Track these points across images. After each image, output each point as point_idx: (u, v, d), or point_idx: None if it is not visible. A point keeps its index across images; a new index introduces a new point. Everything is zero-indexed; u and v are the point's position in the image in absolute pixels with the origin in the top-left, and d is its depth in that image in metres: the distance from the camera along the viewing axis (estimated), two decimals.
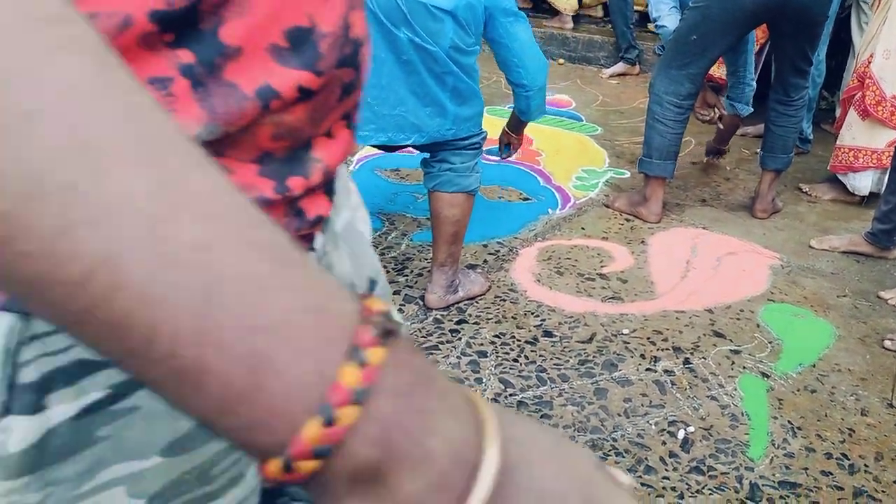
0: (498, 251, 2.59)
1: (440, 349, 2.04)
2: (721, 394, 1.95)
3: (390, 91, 1.92)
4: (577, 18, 5.55)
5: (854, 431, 1.86)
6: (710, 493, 1.65)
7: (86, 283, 0.25)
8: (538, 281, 2.42)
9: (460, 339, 2.10)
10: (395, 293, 2.28)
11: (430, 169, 2.11)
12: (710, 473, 1.70)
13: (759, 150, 3.06)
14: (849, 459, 1.78)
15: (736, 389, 1.97)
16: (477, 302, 2.27)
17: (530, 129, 3.70)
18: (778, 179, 3.03)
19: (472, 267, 2.44)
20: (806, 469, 1.74)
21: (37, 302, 0.26)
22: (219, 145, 0.43)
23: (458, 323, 2.17)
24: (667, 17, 2.78)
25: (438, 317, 2.19)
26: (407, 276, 2.39)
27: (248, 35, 0.42)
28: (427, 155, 2.12)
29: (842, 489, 1.70)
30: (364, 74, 0.52)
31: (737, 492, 1.66)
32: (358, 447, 0.27)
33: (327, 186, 0.53)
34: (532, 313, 2.24)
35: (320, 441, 0.26)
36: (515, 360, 2.02)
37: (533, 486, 0.29)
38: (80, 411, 0.42)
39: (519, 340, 2.11)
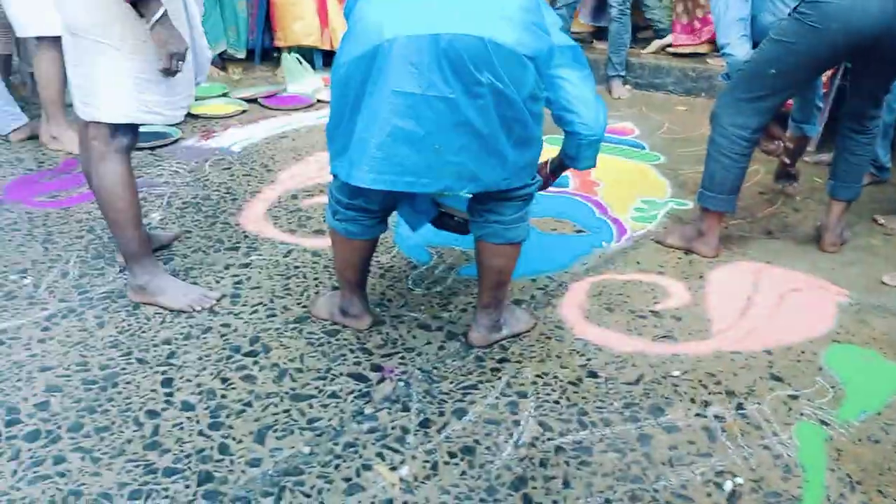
0: (547, 286, 2.54)
1: (479, 388, 2.00)
2: (775, 443, 1.84)
3: (458, 136, 1.75)
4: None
5: None
6: None
7: None
8: (587, 318, 2.36)
9: (500, 378, 2.05)
10: (437, 329, 2.26)
11: (477, 217, 2.03)
12: None
13: (829, 179, 2.91)
14: None
15: (791, 438, 1.86)
16: (521, 339, 2.23)
17: None
18: (847, 210, 2.87)
19: (517, 303, 2.39)
20: None
21: None
22: None
23: (500, 361, 2.13)
24: (737, 45, 2.65)
25: (480, 354, 2.15)
26: (451, 311, 2.36)
27: None
28: (470, 196, 2.03)
29: None
30: None
31: None
32: None
33: None
34: (577, 352, 2.18)
35: None
36: (556, 402, 1.96)
37: None
38: None
39: (562, 381, 2.05)
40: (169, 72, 2.08)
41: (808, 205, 3.32)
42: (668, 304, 2.46)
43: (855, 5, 2.30)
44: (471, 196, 2.02)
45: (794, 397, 2.01)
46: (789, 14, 2.45)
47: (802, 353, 2.21)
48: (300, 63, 4.79)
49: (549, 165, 2.25)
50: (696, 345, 2.24)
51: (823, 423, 1.92)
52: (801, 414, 1.95)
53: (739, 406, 1.97)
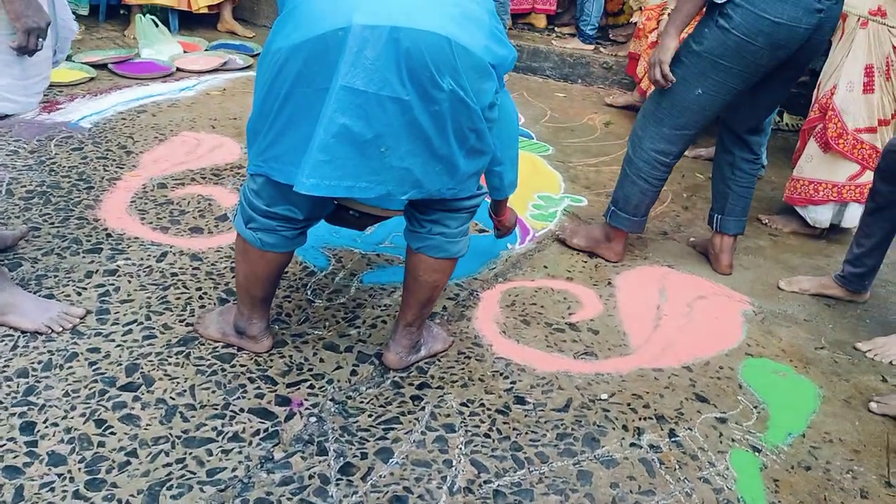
0: (458, 295, 2.36)
1: (401, 422, 1.80)
2: (713, 474, 1.77)
3: (407, 140, 1.55)
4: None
5: None
6: None
7: None
8: (504, 332, 2.20)
9: (423, 408, 1.85)
10: (346, 350, 2.02)
11: (419, 229, 1.81)
12: None
13: (712, 212, 2.78)
14: None
15: (728, 469, 1.80)
16: (439, 360, 2.04)
17: None
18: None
19: (430, 317, 2.20)
20: None
21: None
22: None
23: (420, 387, 1.93)
24: None
25: (397, 379, 1.94)
26: (359, 328, 2.13)
27: None
28: (404, 202, 1.82)
29: None
30: None
31: None
32: None
33: None
34: (500, 374, 2.02)
35: None
36: (487, 436, 1.80)
37: None
38: None
39: (489, 409, 1.89)
40: (26, 50, 1.69)
41: (695, 203, 3.34)
42: (582, 315, 2.35)
43: (782, 26, 2.21)
44: (408, 204, 1.82)
45: (722, 420, 1.96)
46: (708, 15, 2.33)
47: (720, 368, 2.18)
48: (156, 25, 4.28)
49: (496, 218, 2.37)
50: (617, 362, 2.15)
51: (755, 448, 1.87)
52: (732, 440, 1.89)
53: (672, 433, 1.89)
